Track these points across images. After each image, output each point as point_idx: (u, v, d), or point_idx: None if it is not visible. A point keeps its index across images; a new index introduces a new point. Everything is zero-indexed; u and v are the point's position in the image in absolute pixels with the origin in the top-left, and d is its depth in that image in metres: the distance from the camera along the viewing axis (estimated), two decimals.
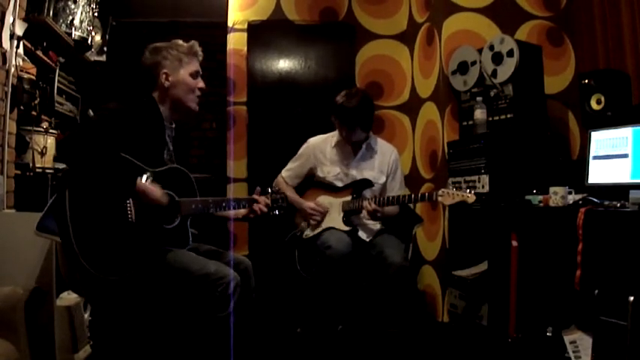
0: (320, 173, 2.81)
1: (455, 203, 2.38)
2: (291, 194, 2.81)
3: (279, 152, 3.08)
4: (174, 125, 2.13)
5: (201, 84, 2.12)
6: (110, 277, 1.71)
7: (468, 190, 2.35)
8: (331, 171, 2.78)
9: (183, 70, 2.06)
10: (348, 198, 2.71)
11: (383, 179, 2.79)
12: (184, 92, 2.06)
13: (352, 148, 2.79)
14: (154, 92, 2.06)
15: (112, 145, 1.76)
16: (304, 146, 2.88)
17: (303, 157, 2.86)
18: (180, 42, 2.12)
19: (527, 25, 3.16)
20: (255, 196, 2.21)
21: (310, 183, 2.87)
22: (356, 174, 2.76)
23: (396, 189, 2.81)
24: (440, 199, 2.40)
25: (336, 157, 2.80)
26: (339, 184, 2.76)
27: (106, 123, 1.81)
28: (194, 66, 2.11)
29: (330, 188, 2.77)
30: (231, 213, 2.23)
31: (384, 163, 2.81)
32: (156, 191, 1.83)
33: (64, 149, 1.78)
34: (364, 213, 2.61)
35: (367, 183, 2.73)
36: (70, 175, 1.75)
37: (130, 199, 1.79)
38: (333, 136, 2.84)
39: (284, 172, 2.89)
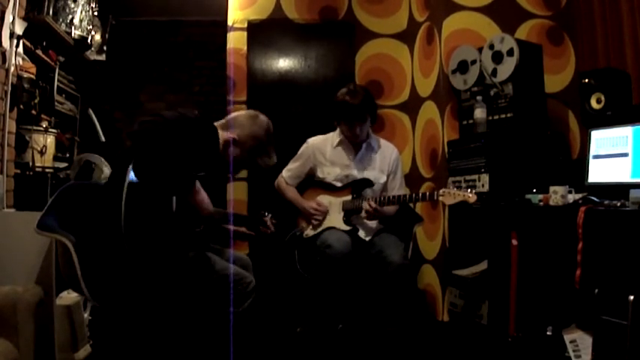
0: (320, 174, 2.80)
1: (456, 203, 2.38)
2: (293, 195, 2.82)
3: (280, 151, 3.05)
4: None
5: (231, 175, 2.21)
6: (147, 270, 1.75)
7: (469, 190, 2.35)
8: (331, 172, 2.78)
9: (246, 153, 2.10)
10: (348, 197, 2.71)
11: (383, 179, 2.79)
12: (225, 159, 2.10)
13: (353, 148, 2.79)
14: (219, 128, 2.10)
15: (177, 146, 1.75)
16: (304, 146, 2.88)
17: (303, 157, 2.86)
18: (271, 150, 2.17)
19: (528, 24, 3.16)
20: (262, 217, 2.28)
21: (310, 182, 2.86)
22: (356, 174, 2.76)
23: (397, 188, 2.81)
24: (441, 198, 2.40)
25: (337, 158, 2.79)
26: (339, 184, 2.76)
27: (179, 125, 1.81)
28: (246, 165, 2.16)
29: (330, 188, 2.77)
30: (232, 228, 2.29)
31: (384, 162, 2.81)
32: (207, 200, 1.91)
33: (141, 135, 1.74)
34: (363, 213, 2.61)
35: (367, 183, 2.73)
36: (136, 161, 1.73)
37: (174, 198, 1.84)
38: (333, 137, 2.83)
39: (284, 173, 2.89)
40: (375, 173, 2.78)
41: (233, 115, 2.14)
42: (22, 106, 2.88)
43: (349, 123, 2.68)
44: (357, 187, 2.72)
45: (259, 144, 2.11)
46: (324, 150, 2.81)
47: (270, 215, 2.32)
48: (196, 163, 1.90)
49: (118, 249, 1.69)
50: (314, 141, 2.87)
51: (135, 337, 2.00)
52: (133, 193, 1.71)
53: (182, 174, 1.78)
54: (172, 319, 1.98)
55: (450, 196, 2.38)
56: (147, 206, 1.76)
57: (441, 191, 2.41)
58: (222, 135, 2.08)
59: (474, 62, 2.92)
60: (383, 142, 2.89)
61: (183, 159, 1.77)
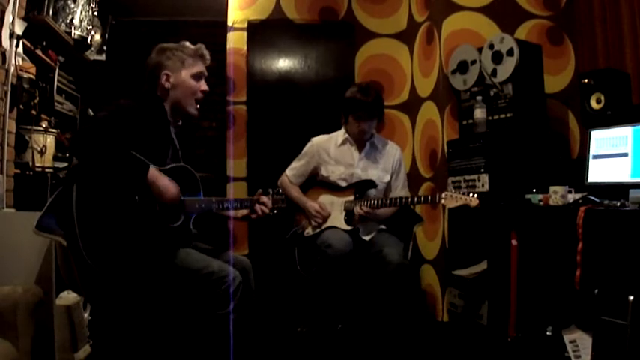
0: (324, 173, 2.81)
1: (457, 207, 2.38)
2: (296, 193, 2.82)
3: (279, 151, 3.08)
4: (180, 123, 2.14)
5: (204, 86, 2.10)
6: (111, 274, 1.72)
7: (471, 194, 2.36)
8: (335, 171, 2.79)
9: (185, 71, 2.05)
10: (351, 198, 2.71)
11: (387, 178, 2.80)
12: (184, 95, 2.05)
13: (357, 147, 2.80)
14: (157, 92, 2.06)
15: (123, 141, 1.77)
16: (308, 145, 2.89)
17: (307, 156, 2.87)
18: (187, 44, 2.11)
19: (527, 24, 3.16)
20: (259, 197, 2.22)
21: (313, 182, 2.87)
22: (361, 173, 2.77)
23: (399, 188, 2.82)
24: (443, 202, 2.42)
25: (341, 156, 2.80)
26: (343, 184, 2.76)
27: (117, 119, 1.81)
28: (198, 67, 2.09)
29: (332, 188, 2.78)
30: (231, 212, 2.24)
31: (388, 161, 2.82)
32: (167, 182, 1.85)
33: (76, 143, 1.79)
34: (356, 215, 2.63)
35: (370, 184, 2.73)
36: (79, 170, 1.76)
37: (137, 197, 1.80)
38: (338, 136, 2.85)
39: (288, 171, 2.90)
40: (379, 172, 2.79)
41: (146, 72, 2.09)
42: (22, 106, 2.88)
43: (359, 119, 2.70)
44: (361, 187, 2.73)
45: (183, 53, 2.07)
46: (328, 149, 2.82)
47: (274, 192, 2.28)
48: (154, 149, 1.90)
49: (81, 253, 1.68)
50: (318, 140, 2.88)
51: (134, 337, 2.00)
52: (82, 202, 1.71)
53: (125, 167, 1.77)
54: (166, 319, 1.97)
55: (452, 199, 2.39)
56: (99, 211, 1.73)
57: (443, 195, 2.42)
58: (160, 90, 2.05)
59: (473, 62, 2.92)
60: (386, 141, 2.91)
61: (122, 151, 1.76)
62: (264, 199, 2.21)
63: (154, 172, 1.83)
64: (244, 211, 2.23)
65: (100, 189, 1.75)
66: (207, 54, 2.13)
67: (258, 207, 2.19)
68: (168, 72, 2.03)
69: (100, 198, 1.74)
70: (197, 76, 2.09)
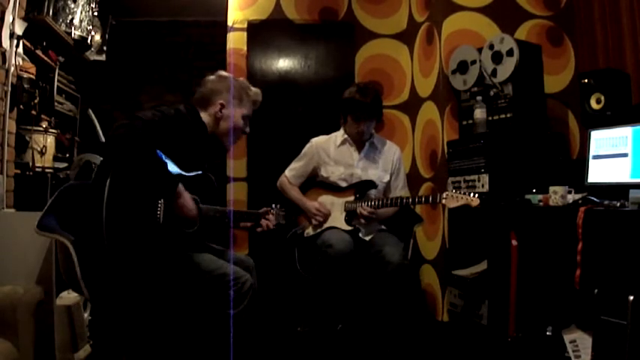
0: (324, 173, 2.81)
1: (458, 206, 2.39)
2: (296, 194, 2.83)
3: (279, 151, 3.08)
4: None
5: (247, 129, 2.21)
6: (127, 270, 1.75)
7: (472, 194, 2.36)
8: (335, 171, 2.79)
9: (239, 110, 2.14)
10: (351, 198, 2.71)
11: (387, 178, 2.80)
12: (229, 129, 2.13)
13: (356, 147, 2.80)
14: (200, 112, 2.11)
15: (161, 147, 1.82)
16: (308, 146, 2.89)
17: (307, 156, 2.87)
18: (249, 85, 2.22)
19: (527, 25, 3.16)
20: (266, 212, 2.28)
21: (312, 183, 2.87)
22: (360, 173, 2.77)
23: (399, 188, 2.83)
24: (444, 201, 2.42)
25: (340, 157, 2.80)
26: (344, 184, 2.76)
27: (162, 126, 1.85)
28: (248, 110, 2.19)
29: (332, 188, 2.78)
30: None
31: (387, 161, 2.82)
32: (191, 203, 1.92)
33: (116, 140, 1.77)
34: (359, 216, 2.63)
35: (370, 184, 2.73)
36: (112, 165, 1.79)
37: (162, 200, 1.85)
38: (337, 136, 2.85)
39: (287, 172, 2.90)
40: (379, 172, 2.79)
41: (202, 90, 2.15)
42: (22, 107, 2.88)
43: (357, 119, 2.70)
44: (361, 188, 2.73)
45: (244, 90, 2.17)
46: (327, 149, 2.83)
47: (277, 208, 2.32)
48: (184, 158, 1.93)
49: (104, 250, 1.70)
50: (318, 140, 2.88)
51: (135, 337, 2.00)
52: (114, 198, 1.74)
53: (160, 176, 1.80)
54: (170, 319, 1.98)
55: (453, 199, 2.39)
56: (129, 210, 1.77)
57: (444, 194, 2.42)
58: (209, 114, 2.11)
59: (473, 62, 2.92)
60: (386, 141, 2.91)
61: (162, 161, 1.79)
62: (271, 215, 2.28)
63: (180, 188, 1.89)
64: (249, 224, 2.28)
65: (134, 187, 1.79)
66: (260, 100, 2.24)
67: (264, 222, 2.25)
68: (224, 102, 2.10)
69: (132, 196, 1.78)
70: (245, 118, 2.18)
